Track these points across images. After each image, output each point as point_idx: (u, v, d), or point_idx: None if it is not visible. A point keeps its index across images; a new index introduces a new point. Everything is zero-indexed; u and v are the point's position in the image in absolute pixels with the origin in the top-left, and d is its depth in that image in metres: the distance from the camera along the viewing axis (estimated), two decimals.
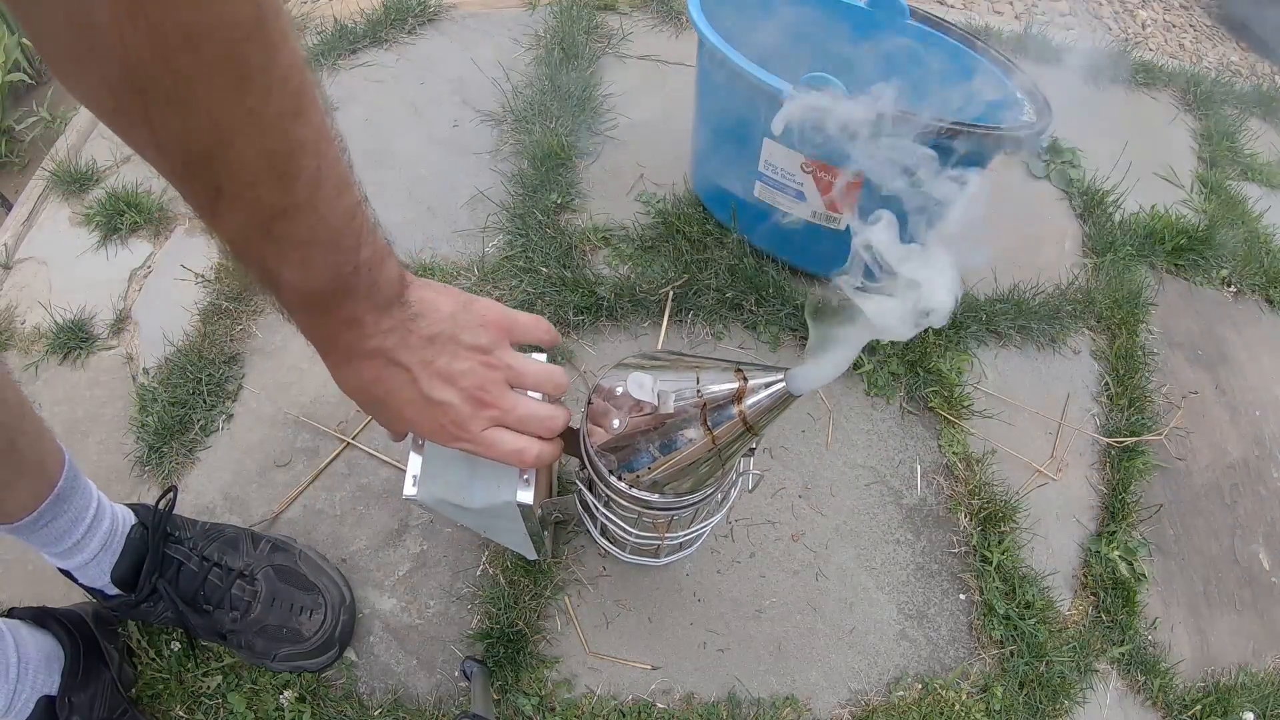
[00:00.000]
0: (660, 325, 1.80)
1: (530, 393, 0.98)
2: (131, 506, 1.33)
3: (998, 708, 1.43)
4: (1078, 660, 1.50)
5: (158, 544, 1.25)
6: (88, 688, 1.18)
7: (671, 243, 1.91)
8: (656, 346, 1.78)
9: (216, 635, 1.32)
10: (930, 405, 1.73)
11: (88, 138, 2.48)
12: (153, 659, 1.42)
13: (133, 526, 1.27)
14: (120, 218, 2.12)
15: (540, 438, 0.94)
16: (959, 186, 0.71)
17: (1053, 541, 1.63)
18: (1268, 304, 2.15)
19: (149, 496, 1.66)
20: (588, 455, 1.06)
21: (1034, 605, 1.51)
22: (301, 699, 1.37)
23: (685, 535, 1.27)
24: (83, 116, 2.50)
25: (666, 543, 1.34)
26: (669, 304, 1.80)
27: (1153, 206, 2.19)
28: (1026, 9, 2.99)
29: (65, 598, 1.57)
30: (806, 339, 1.81)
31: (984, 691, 1.45)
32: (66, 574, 1.25)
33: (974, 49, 1.59)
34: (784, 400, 0.86)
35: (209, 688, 1.40)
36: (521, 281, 1.86)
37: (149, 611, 1.28)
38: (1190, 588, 1.66)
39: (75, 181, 2.27)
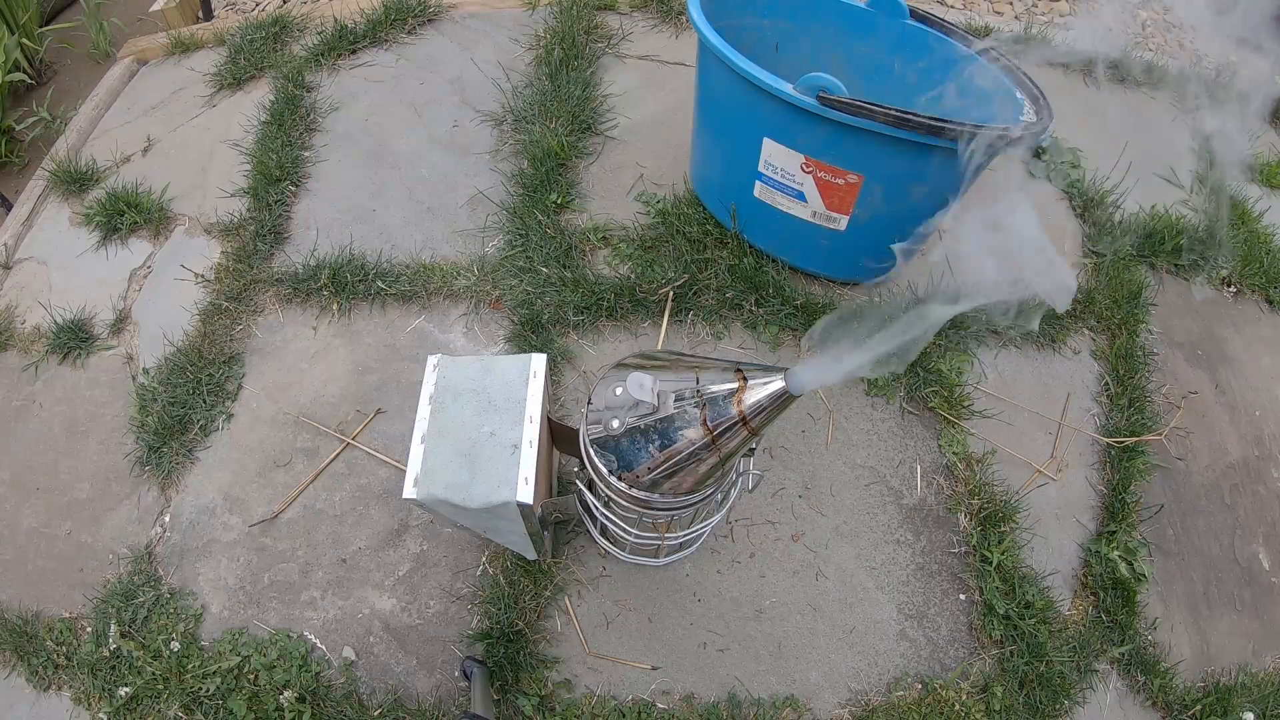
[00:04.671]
0: (660, 325, 1.80)
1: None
2: None
3: (998, 708, 1.43)
4: (1078, 660, 1.50)
5: None
6: None
7: (671, 243, 1.91)
8: (656, 346, 1.78)
9: None
10: (930, 405, 1.73)
11: (88, 138, 2.48)
12: (152, 659, 1.42)
13: None
14: (120, 218, 2.12)
15: None
16: None
17: (1053, 541, 1.63)
18: (1268, 304, 2.15)
19: (149, 496, 1.67)
20: (588, 455, 1.06)
21: (1034, 605, 1.51)
22: (301, 699, 1.38)
23: (685, 535, 1.27)
24: (83, 116, 2.50)
25: (666, 543, 1.34)
26: (669, 304, 1.80)
27: (1153, 206, 2.19)
28: (1026, 9, 2.99)
29: (65, 598, 1.58)
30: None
31: (984, 691, 1.45)
32: None
33: (974, 49, 1.59)
34: (783, 400, 0.86)
35: (209, 689, 1.40)
36: (521, 281, 1.86)
37: None
38: (1190, 588, 1.66)
39: (75, 181, 2.27)
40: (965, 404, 1.74)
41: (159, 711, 1.39)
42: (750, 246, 1.87)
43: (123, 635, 1.46)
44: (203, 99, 2.41)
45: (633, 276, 1.85)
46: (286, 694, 1.36)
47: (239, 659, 1.41)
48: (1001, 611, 1.49)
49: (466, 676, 1.38)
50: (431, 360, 1.17)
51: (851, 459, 1.66)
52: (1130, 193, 2.20)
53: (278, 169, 2.10)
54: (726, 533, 1.56)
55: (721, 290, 1.82)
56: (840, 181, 1.53)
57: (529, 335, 1.76)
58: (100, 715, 1.42)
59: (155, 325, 1.89)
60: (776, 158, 1.58)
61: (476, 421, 1.10)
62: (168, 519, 1.62)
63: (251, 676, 1.40)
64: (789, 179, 1.60)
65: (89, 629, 1.51)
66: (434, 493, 1.05)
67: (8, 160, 2.58)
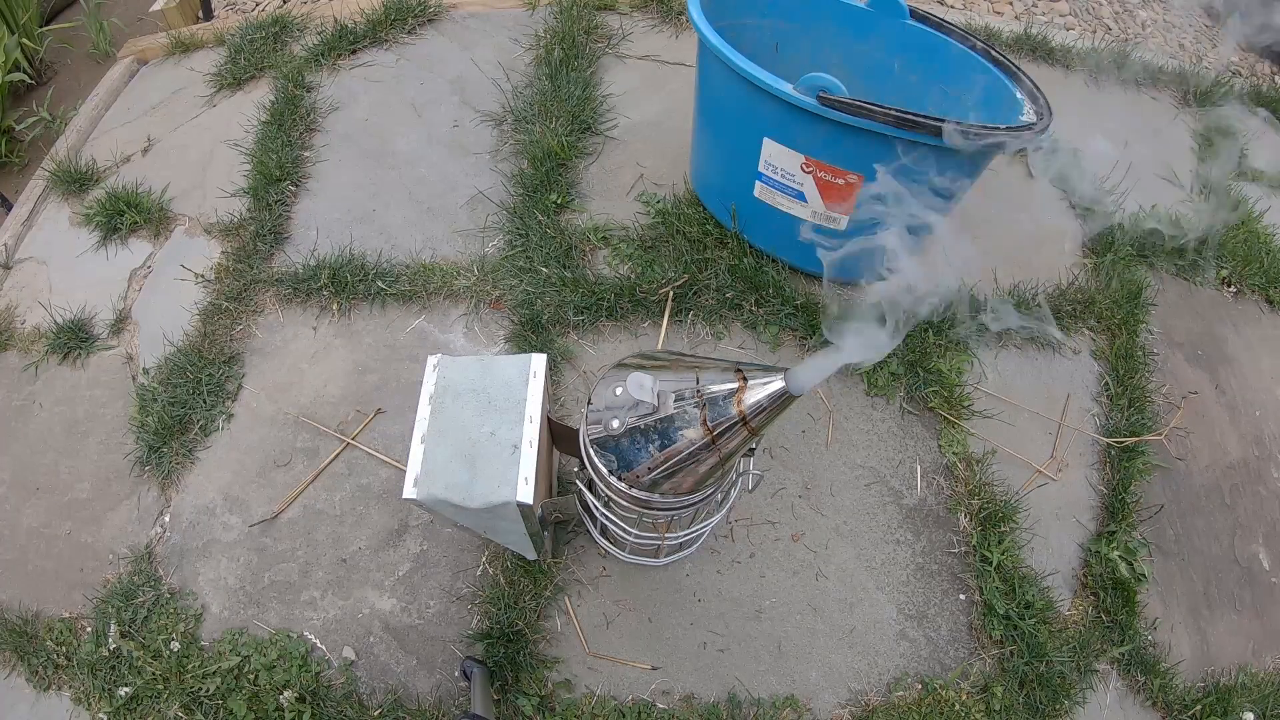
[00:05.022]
0: (660, 325, 1.80)
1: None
2: None
3: (998, 708, 1.43)
4: (1078, 660, 1.50)
5: None
6: None
7: (671, 243, 1.91)
8: (656, 346, 1.78)
9: None
10: (930, 405, 1.73)
11: (88, 138, 2.48)
12: (152, 659, 1.42)
13: None
14: (120, 218, 2.12)
15: None
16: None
17: (1053, 541, 1.63)
18: (1268, 304, 2.15)
19: (149, 496, 1.67)
20: (588, 455, 1.06)
21: (1034, 605, 1.51)
22: (301, 699, 1.38)
23: (685, 535, 1.27)
24: (83, 116, 2.50)
25: (666, 543, 1.34)
26: (669, 304, 1.80)
27: (1153, 206, 2.19)
28: (1026, 9, 2.99)
29: (65, 598, 1.58)
30: (806, 339, 1.82)
31: (984, 691, 1.45)
32: None
33: (974, 49, 1.59)
34: (783, 400, 0.86)
35: (209, 689, 1.40)
36: (521, 281, 1.86)
37: None
38: (1190, 588, 1.66)
39: (75, 181, 2.27)
40: (965, 404, 1.74)
41: (159, 711, 1.39)
42: (750, 246, 1.87)
43: (123, 635, 1.46)
44: (203, 99, 2.41)
45: (633, 276, 1.85)
46: (286, 694, 1.36)
47: (239, 659, 1.41)
48: (1001, 611, 1.49)
49: (466, 676, 1.38)
50: (431, 360, 1.17)
51: (851, 459, 1.66)
52: (1130, 193, 2.20)
53: (278, 169, 2.10)
54: (726, 533, 1.56)
55: (721, 290, 1.82)
56: (840, 181, 1.53)
57: (529, 335, 1.76)
58: (100, 715, 1.42)
59: (155, 325, 1.89)
60: (776, 158, 1.58)
61: (476, 421, 1.10)
62: (168, 519, 1.62)
63: (251, 676, 1.40)
64: (789, 179, 1.60)
65: (89, 629, 1.51)
66: (434, 493, 1.05)
67: (8, 160, 2.58)
